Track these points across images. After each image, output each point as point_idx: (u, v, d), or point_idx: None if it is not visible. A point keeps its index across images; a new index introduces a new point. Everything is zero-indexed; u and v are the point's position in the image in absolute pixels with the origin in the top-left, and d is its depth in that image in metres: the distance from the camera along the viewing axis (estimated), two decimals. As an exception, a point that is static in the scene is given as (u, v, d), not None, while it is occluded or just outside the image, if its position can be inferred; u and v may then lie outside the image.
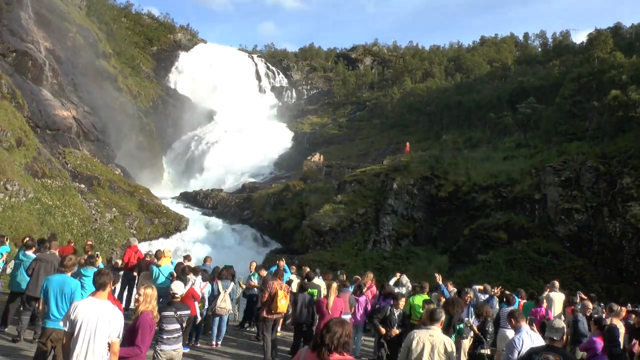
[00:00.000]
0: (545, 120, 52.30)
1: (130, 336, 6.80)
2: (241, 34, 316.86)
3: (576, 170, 36.56)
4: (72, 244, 17.94)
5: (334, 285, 11.72)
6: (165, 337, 8.16)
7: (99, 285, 6.47)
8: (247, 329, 16.57)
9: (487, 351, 10.46)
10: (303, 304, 12.76)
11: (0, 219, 29.35)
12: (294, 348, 13.14)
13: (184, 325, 8.59)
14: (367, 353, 14.50)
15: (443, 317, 7.52)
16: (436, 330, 7.26)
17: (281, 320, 15.95)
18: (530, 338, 8.05)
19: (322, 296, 13.42)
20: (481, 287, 15.46)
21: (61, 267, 8.65)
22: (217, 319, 13.54)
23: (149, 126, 73.09)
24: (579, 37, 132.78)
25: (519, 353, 7.85)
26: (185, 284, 12.12)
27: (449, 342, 7.10)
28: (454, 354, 7.03)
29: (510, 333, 10.53)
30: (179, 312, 8.35)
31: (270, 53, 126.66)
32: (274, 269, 16.00)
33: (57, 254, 12.30)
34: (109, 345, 6.20)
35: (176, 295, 8.65)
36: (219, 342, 13.55)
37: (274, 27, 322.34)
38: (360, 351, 14.13)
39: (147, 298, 7.15)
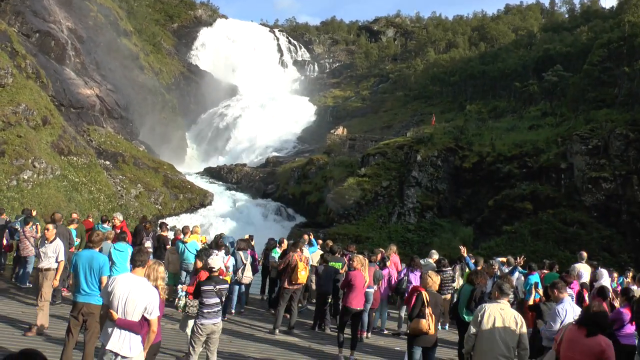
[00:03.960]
0: (572, 88, 51.08)
1: None
2: (260, 9, 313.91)
3: (604, 138, 35.70)
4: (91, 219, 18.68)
5: (365, 261, 11.75)
6: (205, 311, 8.22)
7: (138, 263, 6.59)
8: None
9: None
10: (326, 276, 12.93)
11: (29, 195, 30.00)
12: (316, 319, 13.29)
13: (223, 299, 8.65)
14: (391, 327, 14.57)
15: (512, 292, 7.51)
16: (506, 304, 7.20)
17: (305, 293, 16.06)
18: (572, 309, 8.15)
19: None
20: (504, 260, 15.39)
21: (89, 243, 8.79)
22: (237, 287, 13.88)
23: (172, 102, 73.35)
24: (609, 2, 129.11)
25: (561, 323, 7.94)
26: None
27: (520, 317, 7.10)
28: (524, 329, 7.01)
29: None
30: (218, 286, 8.35)
31: (292, 27, 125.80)
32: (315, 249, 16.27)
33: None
34: (147, 321, 6.32)
35: (214, 270, 8.64)
36: (242, 310, 14.00)
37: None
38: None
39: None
